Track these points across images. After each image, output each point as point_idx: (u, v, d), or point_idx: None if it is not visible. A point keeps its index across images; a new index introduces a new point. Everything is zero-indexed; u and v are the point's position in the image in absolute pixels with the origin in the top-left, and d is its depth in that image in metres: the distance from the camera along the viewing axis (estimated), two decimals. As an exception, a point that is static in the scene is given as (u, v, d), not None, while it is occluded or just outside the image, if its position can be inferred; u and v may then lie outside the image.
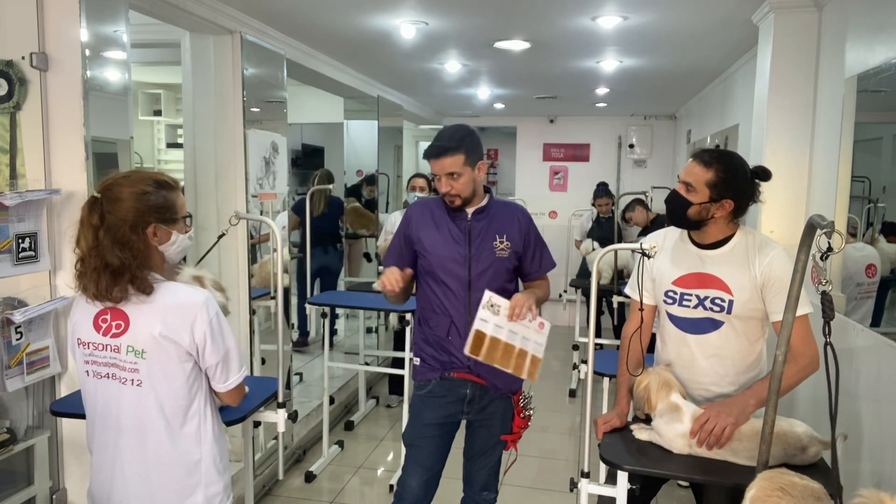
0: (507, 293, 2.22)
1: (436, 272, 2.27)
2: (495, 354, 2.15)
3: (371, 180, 6.10)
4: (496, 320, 2.16)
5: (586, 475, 2.01)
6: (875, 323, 2.37)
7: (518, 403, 2.36)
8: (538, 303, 2.30)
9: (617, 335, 5.24)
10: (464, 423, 2.41)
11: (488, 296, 2.14)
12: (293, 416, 2.23)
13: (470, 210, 2.28)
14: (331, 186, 5.22)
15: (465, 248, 2.25)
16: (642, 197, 5.41)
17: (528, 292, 2.24)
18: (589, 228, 6.00)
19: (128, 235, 1.58)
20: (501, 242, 2.26)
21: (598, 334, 5.92)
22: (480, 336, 2.13)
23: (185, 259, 1.88)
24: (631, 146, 7.65)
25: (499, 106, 7.02)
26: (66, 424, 2.48)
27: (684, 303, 2.03)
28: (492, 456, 2.40)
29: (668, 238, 2.14)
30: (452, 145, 2.18)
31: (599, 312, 5.89)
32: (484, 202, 2.30)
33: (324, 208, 5.45)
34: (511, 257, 2.28)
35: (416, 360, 2.36)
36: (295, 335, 5.68)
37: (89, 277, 1.58)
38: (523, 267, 2.34)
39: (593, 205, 6.05)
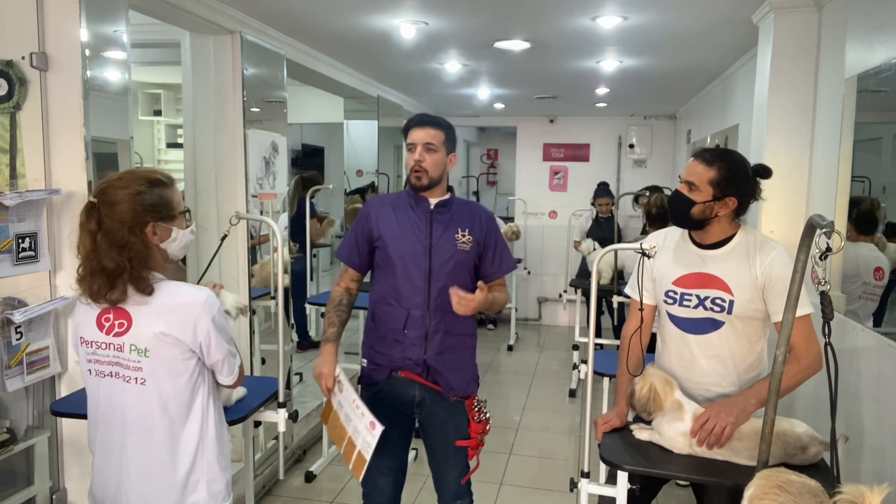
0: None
1: (395, 263, 2.20)
2: (335, 431, 2.16)
3: (375, 188, 6.12)
4: (340, 397, 2.16)
5: (586, 475, 2.01)
6: (876, 323, 2.36)
7: (472, 408, 2.28)
8: (491, 307, 2.23)
9: (617, 335, 5.24)
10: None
11: (338, 370, 2.16)
12: (293, 416, 2.23)
13: (433, 201, 2.23)
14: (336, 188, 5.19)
15: (426, 238, 2.20)
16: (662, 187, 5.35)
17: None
18: (588, 228, 6.00)
19: (126, 238, 1.58)
20: (464, 235, 2.22)
21: (597, 334, 5.90)
22: (330, 405, 2.18)
23: (184, 260, 1.88)
24: (631, 146, 7.65)
25: (499, 106, 7.02)
26: (66, 424, 2.48)
27: (685, 303, 2.03)
28: (455, 466, 2.31)
29: (669, 238, 2.14)
30: (439, 122, 2.23)
31: (599, 312, 5.89)
32: (446, 197, 2.26)
33: (294, 211, 5.35)
34: (472, 253, 2.24)
35: (364, 362, 2.29)
36: (294, 337, 5.67)
37: (88, 280, 1.60)
38: (483, 267, 2.29)
39: (593, 204, 6.05)
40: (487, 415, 2.30)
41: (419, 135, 2.19)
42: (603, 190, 5.98)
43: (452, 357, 2.23)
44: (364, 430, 2.10)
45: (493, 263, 2.29)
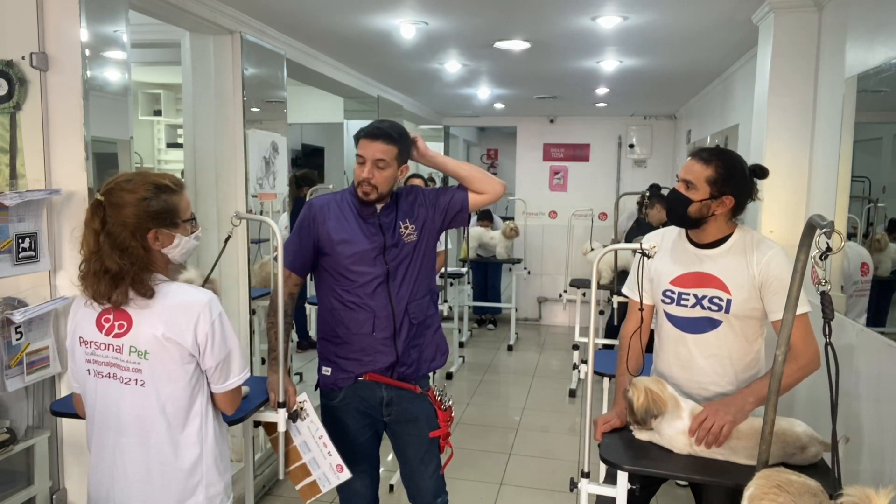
0: (430, 281, 2.26)
1: (349, 268, 2.16)
2: (281, 447, 2.20)
3: None
4: (300, 425, 2.19)
5: (586, 475, 2.01)
6: (879, 323, 2.37)
7: (435, 398, 2.30)
8: (467, 177, 2.24)
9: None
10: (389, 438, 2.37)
11: (304, 397, 2.20)
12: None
13: (378, 206, 2.21)
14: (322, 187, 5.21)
15: (379, 240, 2.17)
16: (663, 191, 5.18)
17: None
18: (628, 229, 5.75)
19: (127, 241, 1.58)
20: (406, 228, 2.21)
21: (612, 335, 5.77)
22: (272, 426, 2.20)
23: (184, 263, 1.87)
24: (631, 146, 7.65)
25: (499, 106, 7.02)
26: (66, 424, 2.48)
27: (682, 302, 2.03)
28: (431, 459, 2.34)
29: (667, 238, 2.14)
30: (392, 134, 2.14)
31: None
32: (389, 200, 2.24)
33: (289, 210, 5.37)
34: (421, 241, 2.23)
35: (327, 371, 2.25)
36: (294, 337, 5.67)
37: (90, 280, 1.59)
38: (450, 203, 2.26)
39: (638, 203, 5.72)
40: (450, 402, 2.33)
41: (369, 150, 2.11)
42: (653, 188, 5.76)
43: (419, 341, 2.25)
44: (328, 468, 2.16)
45: (448, 194, 2.28)
